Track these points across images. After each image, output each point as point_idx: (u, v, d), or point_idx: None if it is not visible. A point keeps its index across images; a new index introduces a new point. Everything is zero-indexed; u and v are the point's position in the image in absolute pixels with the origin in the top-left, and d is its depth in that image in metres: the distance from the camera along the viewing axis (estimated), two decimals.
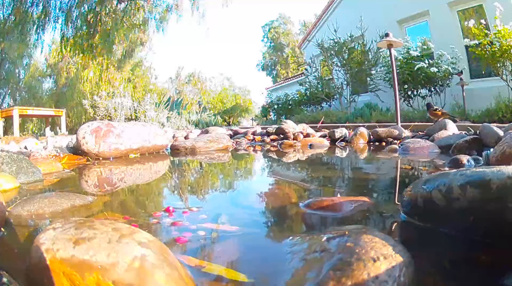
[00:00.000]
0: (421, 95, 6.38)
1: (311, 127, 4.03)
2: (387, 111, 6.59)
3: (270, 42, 28.02)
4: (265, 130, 3.85)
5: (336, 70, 8.31)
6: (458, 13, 6.68)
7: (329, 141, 3.26)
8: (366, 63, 7.69)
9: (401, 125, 3.53)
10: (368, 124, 4.83)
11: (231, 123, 11.90)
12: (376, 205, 1.06)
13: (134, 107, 8.06)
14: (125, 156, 2.49)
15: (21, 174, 1.54)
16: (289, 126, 3.69)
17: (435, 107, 3.35)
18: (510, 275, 0.57)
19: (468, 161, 1.67)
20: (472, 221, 0.69)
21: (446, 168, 1.67)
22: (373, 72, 7.58)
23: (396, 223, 0.89)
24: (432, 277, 0.59)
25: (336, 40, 7.96)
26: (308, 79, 9.33)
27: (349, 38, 7.87)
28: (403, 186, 1.18)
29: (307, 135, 3.48)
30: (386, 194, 1.34)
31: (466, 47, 6.11)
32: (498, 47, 4.57)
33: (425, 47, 6.41)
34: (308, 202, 1.04)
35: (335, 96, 8.50)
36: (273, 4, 53.08)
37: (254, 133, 3.92)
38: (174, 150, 2.86)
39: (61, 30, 9.78)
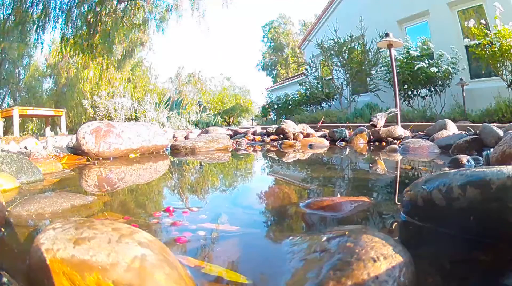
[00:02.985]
0: (421, 95, 6.38)
1: (311, 127, 4.03)
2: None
3: (270, 42, 28.02)
4: (265, 130, 3.85)
5: (336, 70, 8.30)
6: (458, 13, 6.68)
7: (329, 141, 3.26)
8: (366, 63, 7.68)
9: (401, 125, 3.53)
10: (368, 124, 4.82)
11: (231, 123, 11.89)
12: (376, 205, 1.06)
13: (134, 107, 8.05)
14: (125, 156, 2.49)
15: (21, 174, 1.54)
16: (289, 126, 3.69)
17: (372, 120, 3.22)
18: (510, 275, 0.57)
19: (468, 161, 1.67)
20: (472, 221, 0.69)
21: (446, 168, 1.67)
22: (373, 72, 7.58)
23: (396, 223, 0.89)
24: (432, 277, 0.59)
25: (336, 40, 7.96)
26: (308, 79, 9.33)
27: (349, 38, 7.86)
28: (403, 186, 1.18)
29: (307, 135, 3.48)
30: (386, 194, 1.34)
31: (466, 47, 6.12)
32: (498, 47, 4.57)
33: (425, 47, 6.40)
34: (308, 202, 1.04)
35: (335, 96, 8.49)
36: (273, 4, 53.10)
37: (254, 133, 3.92)
38: (174, 150, 2.85)
39: (61, 30, 9.76)
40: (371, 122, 3.11)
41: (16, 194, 1.30)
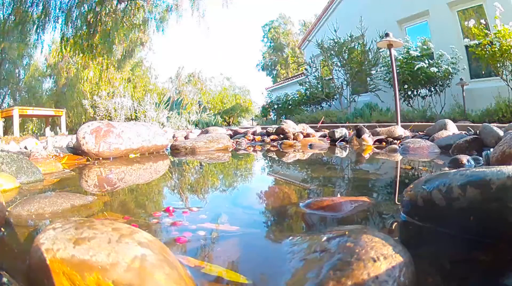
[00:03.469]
0: (421, 95, 6.38)
1: (311, 127, 4.03)
2: (387, 111, 6.59)
3: (270, 42, 28.02)
4: (265, 130, 3.85)
5: (336, 70, 8.31)
6: (458, 13, 6.68)
7: (329, 141, 3.26)
8: (366, 63, 7.69)
9: (401, 125, 3.53)
10: (368, 124, 4.83)
11: (231, 123, 11.89)
12: (376, 205, 1.06)
13: (134, 107, 8.05)
14: (125, 156, 2.49)
15: (21, 174, 1.54)
16: (289, 126, 3.69)
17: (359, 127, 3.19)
18: (510, 275, 0.57)
19: (468, 161, 1.67)
20: (472, 221, 0.69)
21: (446, 168, 1.67)
22: (373, 72, 7.58)
23: (396, 223, 0.89)
24: (432, 277, 0.59)
25: (336, 40, 7.96)
26: (308, 79, 9.34)
27: (349, 38, 7.87)
28: (403, 186, 1.18)
29: (307, 135, 3.48)
30: (386, 194, 1.34)
31: (466, 47, 6.12)
32: (498, 47, 4.57)
33: (425, 47, 6.40)
34: (308, 202, 1.04)
35: (335, 96, 8.50)
36: (273, 4, 53.16)
37: (254, 133, 3.92)
38: (174, 150, 2.85)
39: (61, 30, 9.75)
40: (357, 128, 3.09)
41: (16, 194, 1.30)
